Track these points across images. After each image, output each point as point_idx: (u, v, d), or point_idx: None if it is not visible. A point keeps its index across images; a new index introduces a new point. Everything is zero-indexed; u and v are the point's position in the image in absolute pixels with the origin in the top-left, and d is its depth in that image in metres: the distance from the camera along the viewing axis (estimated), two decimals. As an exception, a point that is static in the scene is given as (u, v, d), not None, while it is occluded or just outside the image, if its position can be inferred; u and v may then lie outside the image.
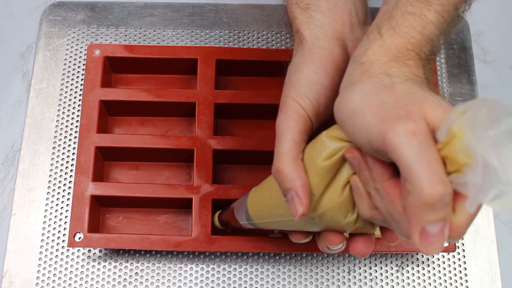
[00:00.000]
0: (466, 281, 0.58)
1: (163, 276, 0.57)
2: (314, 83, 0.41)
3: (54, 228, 0.59)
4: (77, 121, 0.62)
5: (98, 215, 0.58)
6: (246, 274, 0.58)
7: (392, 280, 0.58)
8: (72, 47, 0.66)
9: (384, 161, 0.33)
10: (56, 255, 0.58)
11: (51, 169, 0.61)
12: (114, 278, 0.57)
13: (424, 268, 0.59)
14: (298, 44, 0.44)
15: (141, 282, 0.57)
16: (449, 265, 0.59)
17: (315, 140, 0.38)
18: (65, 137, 0.62)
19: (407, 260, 0.59)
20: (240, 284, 0.58)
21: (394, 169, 0.33)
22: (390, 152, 0.30)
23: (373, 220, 0.37)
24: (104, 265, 0.58)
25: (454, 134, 0.29)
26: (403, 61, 0.36)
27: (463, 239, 0.60)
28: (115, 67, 0.62)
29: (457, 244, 0.59)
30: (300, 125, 0.39)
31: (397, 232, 0.35)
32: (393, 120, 0.31)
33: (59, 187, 0.60)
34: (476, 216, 0.32)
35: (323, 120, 0.41)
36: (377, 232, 0.58)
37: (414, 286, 0.58)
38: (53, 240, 0.58)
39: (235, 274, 0.58)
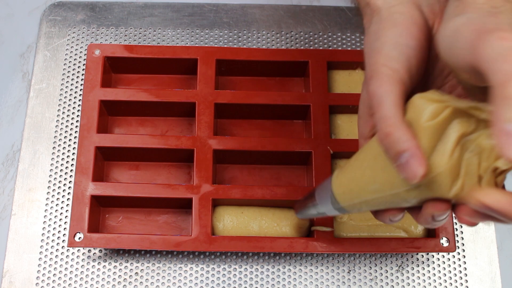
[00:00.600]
0: (466, 281, 0.58)
1: (163, 276, 0.57)
2: (401, 45, 0.39)
3: (54, 228, 0.59)
4: (77, 121, 0.62)
5: (98, 215, 0.58)
6: (246, 274, 0.58)
7: (392, 280, 0.58)
8: (72, 47, 0.66)
9: None
10: (56, 255, 0.58)
11: (51, 169, 0.61)
12: (114, 278, 0.57)
13: (424, 268, 0.59)
14: (370, 16, 0.42)
15: (141, 282, 0.57)
16: (449, 265, 0.59)
17: (409, 105, 0.35)
18: (65, 137, 0.62)
19: (407, 260, 0.59)
20: (240, 284, 0.58)
21: None
22: (480, 60, 0.30)
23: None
24: (104, 265, 0.58)
25: None
26: None
27: (463, 239, 0.60)
28: (115, 67, 0.62)
29: (457, 244, 0.60)
30: (397, 89, 0.37)
31: None
32: (487, 32, 0.30)
33: (59, 187, 0.60)
34: None
35: (415, 83, 0.39)
36: (372, 233, 0.58)
37: (414, 286, 0.58)
38: (53, 240, 0.58)
39: (235, 274, 0.58)
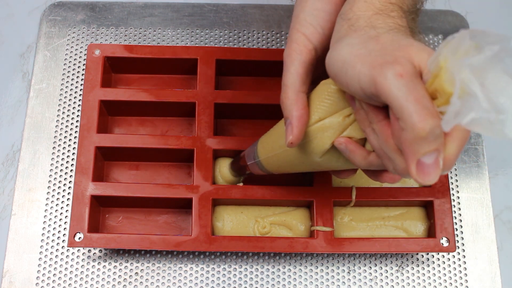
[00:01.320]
0: (466, 281, 0.58)
1: (163, 276, 0.57)
2: (318, 10, 0.43)
3: (54, 228, 0.59)
4: (77, 121, 0.62)
5: (98, 215, 0.58)
6: (246, 274, 0.58)
7: (392, 280, 0.58)
8: (72, 47, 0.66)
9: (376, 107, 0.35)
10: (56, 255, 0.58)
11: (51, 169, 0.61)
12: (114, 278, 0.57)
13: (424, 268, 0.59)
14: None
15: (141, 282, 0.57)
16: (449, 265, 0.59)
17: (317, 86, 0.41)
18: (65, 137, 0.62)
19: (407, 260, 0.59)
20: (240, 284, 0.58)
21: (386, 112, 0.35)
22: (382, 95, 0.33)
23: (370, 167, 0.39)
24: (104, 265, 0.58)
25: (441, 66, 0.31)
26: (387, 13, 0.38)
27: (463, 239, 0.60)
28: (115, 67, 0.62)
29: (457, 244, 0.60)
30: (303, 57, 0.42)
31: (392, 170, 0.37)
32: (381, 66, 0.33)
33: (59, 187, 0.60)
34: (464, 146, 0.34)
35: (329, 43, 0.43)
36: (372, 233, 0.58)
37: (414, 286, 0.58)
38: (53, 240, 0.58)
39: (235, 274, 0.58)
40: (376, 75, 0.33)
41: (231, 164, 0.56)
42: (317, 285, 0.58)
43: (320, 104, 0.40)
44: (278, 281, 0.58)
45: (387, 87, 0.32)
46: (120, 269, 0.58)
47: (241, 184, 0.57)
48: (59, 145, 0.62)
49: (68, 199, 0.60)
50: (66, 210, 0.59)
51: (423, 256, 0.59)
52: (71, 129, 0.62)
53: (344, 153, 0.40)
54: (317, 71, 0.43)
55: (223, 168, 0.57)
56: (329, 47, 0.40)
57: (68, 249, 0.58)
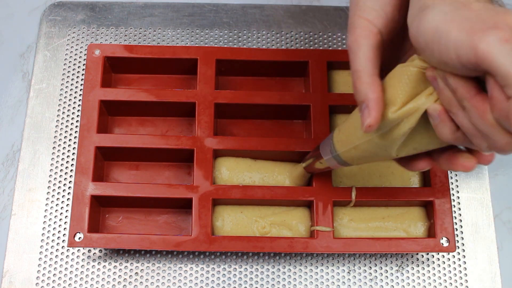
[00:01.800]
0: (466, 281, 0.58)
1: (163, 276, 0.57)
2: None
3: (54, 228, 0.59)
4: (77, 121, 0.62)
5: (98, 215, 0.58)
6: (246, 274, 0.58)
7: (392, 280, 0.58)
8: (72, 47, 0.66)
9: (468, 78, 0.34)
10: (56, 255, 0.58)
11: (51, 169, 0.61)
12: (114, 278, 0.57)
13: (424, 268, 0.59)
14: None
15: (141, 282, 0.57)
16: (449, 265, 0.59)
17: (392, 73, 0.39)
18: (65, 137, 0.62)
19: (407, 260, 0.59)
20: (240, 284, 0.58)
21: (478, 85, 0.34)
22: (484, 62, 0.31)
23: (455, 143, 0.38)
24: (104, 265, 0.58)
25: None
26: None
27: (463, 238, 0.60)
28: (115, 67, 0.62)
29: (457, 244, 0.60)
30: (370, 41, 0.40)
31: (484, 149, 0.36)
32: (482, 31, 0.31)
33: (59, 187, 0.60)
34: None
35: (394, 31, 0.41)
36: (372, 233, 0.58)
37: (414, 286, 0.58)
38: (53, 240, 0.58)
39: (235, 274, 0.58)
40: (477, 41, 0.31)
41: (306, 166, 0.54)
42: (317, 285, 0.58)
43: (401, 88, 0.38)
44: (278, 281, 0.58)
45: (491, 53, 0.30)
46: (120, 269, 0.58)
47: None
48: (59, 145, 0.62)
49: (68, 199, 0.60)
50: (66, 210, 0.59)
51: (423, 256, 0.59)
52: (71, 129, 0.62)
53: (434, 122, 0.37)
54: (384, 57, 0.42)
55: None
56: (393, 30, 0.40)
57: (68, 249, 0.58)
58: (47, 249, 0.58)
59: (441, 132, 0.37)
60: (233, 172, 0.58)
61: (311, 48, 0.67)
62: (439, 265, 0.59)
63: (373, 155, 0.43)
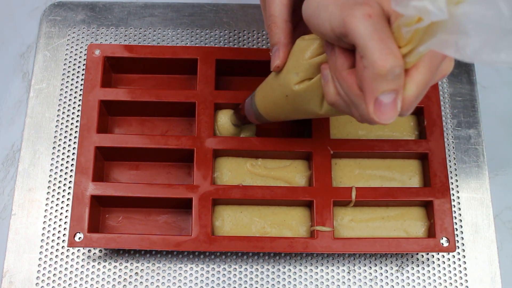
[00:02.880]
0: (466, 281, 0.58)
1: (163, 276, 0.57)
2: None
3: (54, 228, 0.59)
4: (77, 121, 0.62)
5: (98, 215, 0.58)
6: (246, 274, 0.58)
7: (392, 280, 0.58)
8: (72, 47, 0.66)
9: (346, 52, 0.37)
10: (56, 255, 0.58)
11: (51, 169, 0.61)
12: (114, 278, 0.57)
13: (424, 268, 0.59)
14: None
15: (141, 282, 0.57)
16: (449, 265, 0.59)
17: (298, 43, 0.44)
18: (65, 137, 0.62)
19: (407, 260, 0.59)
20: (240, 284, 0.58)
21: (353, 60, 0.37)
22: (349, 34, 0.34)
23: (336, 107, 0.41)
24: (104, 265, 0.58)
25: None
26: None
27: (463, 238, 0.60)
28: (115, 67, 0.62)
29: (457, 244, 0.60)
30: None
31: (358, 118, 0.39)
32: (352, 7, 0.35)
33: (59, 187, 0.60)
34: (425, 90, 0.36)
35: None
36: (372, 233, 0.58)
37: (414, 286, 0.58)
38: (53, 240, 0.58)
39: (235, 274, 0.58)
40: (346, 15, 0.34)
41: (233, 114, 0.57)
42: (317, 285, 0.58)
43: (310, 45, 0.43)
44: (278, 281, 0.58)
45: (355, 26, 0.34)
46: (120, 269, 0.58)
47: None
48: (59, 145, 0.62)
49: (68, 199, 0.60)
50: (66, 210, 0.59)
51: (423, 256, 0.59)
52: (71, 129, 0.62)
53: (323, 81, 0.41)
54: (296, 18, 0.47)
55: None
56: None
57: (68, 249, 0.58)
58: (47, 249, 0.58)
59: (327, 92, 0.41)
60: (234, 173, 0.58)
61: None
62: (439, 265, 0.59)
63: (284, 110, 0.47)
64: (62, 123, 0.62)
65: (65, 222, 0.59)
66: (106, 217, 0.59)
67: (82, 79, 0.64)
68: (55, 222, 0.59)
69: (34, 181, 0.60)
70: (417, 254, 0.59)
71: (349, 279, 0.58)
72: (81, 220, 0.54)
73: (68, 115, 0.63)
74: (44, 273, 0.57)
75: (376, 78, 0.34)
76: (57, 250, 0.58)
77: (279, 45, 0.45)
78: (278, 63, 0.45)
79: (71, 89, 0.64)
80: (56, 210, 0.59)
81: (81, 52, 0.66)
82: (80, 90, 0.64)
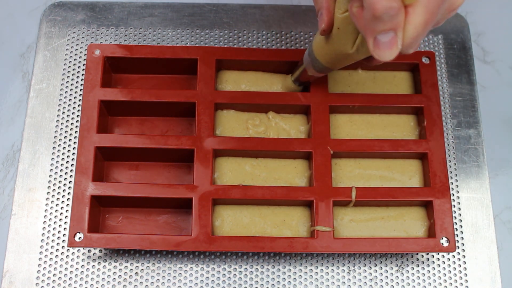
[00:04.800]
0: (466, 281, 0.58)
1: (163, 276, 0.57)
2: None
3: (54, 228, 0.59)
4: (77, 121, 0.62)
5: (98, 215, 0.58)
6: (246, 274, 0.58)
7: (392, 280, 0.58)
8: (72, 47, 0.66)
9: None
10: (56, 255, 0.58)
11: (51, 169, 0.61)
12: (114, 278, 0.57)
13: (424, 268, 0.59)
14: None
15: (141, 282, 0.57)
16: (449, 265, 0.59)
17: None
18: (65, 137, 0.62)
19: (407, 260, 0.59)
20: (240, 284, 0.58)
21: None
22: None
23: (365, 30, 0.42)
24: (104, 265, 0.58)
25: None
26: None
27: (463, 238, 0.60)
28: (115, 67, 0.62)
29: (457, 244, 0.60)
30: None
31: (371, 49, 0.40)
32: None
33: (59, 187, 0.60)
34: (426, 30, 0.38)
35: None
36: (372, 233, 0.58)
37: (414, 286, 0.58)
38: (53, 240, 0.58)
39: (235, 274, 0.58)
40: None
41: (295, 79, 0.59)
42: (317, 285, 0.58)
43: None
44: (278, 281, 0.58)
45: None
46: (120, 269, 0.58)
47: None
48: (59, 145, 0.62)
49: (68, 199, 0.60)
50: (66, 210, 0.59)
51: (423, 256, 0.59)
52: (71, 129, 0.62)
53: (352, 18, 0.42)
54: None
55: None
56: None
57: (68, 249, 0.58)
58: (47, 249, 0.58)
59: (359, 25, 0.42)
60: (234, 173, 0.58)
61: (311, 48, 0.67)
62: (439, 265, 0.59)
63: (340, 54, 0.49)
64: (62, 123, 0.62)
65: (65, 222, 0.59)
66: (106, 217, 0.59)
67: (82, 79, 0.64)
68: (55, 222, 0.59)
69: (34, 181, 0.60)
70: (417, 254, 0.59)
71: (349, 279, 0.58)
72: (81, 220, 0.54)
73: (68, 115, 0.63)
74: (44, 273, 0.57)
75: (372, 19, 0.36)
76: (57, 250, 0.58)
77: (322, 9, 0.46)
78: (324, 26, 0.47)
79: (71, 89, 0.64)
80: (56, 210, 0.59)
81: (81, 52, 0.66)
82: (80, 90, 0.64)
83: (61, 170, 0.61)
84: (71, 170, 0.61)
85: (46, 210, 0.59)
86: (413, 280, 0.58)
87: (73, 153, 0.61)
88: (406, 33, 0.37)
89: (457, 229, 0.60)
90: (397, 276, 0.58)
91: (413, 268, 0.59)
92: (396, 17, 0.36)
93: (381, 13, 0.35)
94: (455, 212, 0.61)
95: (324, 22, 0.47)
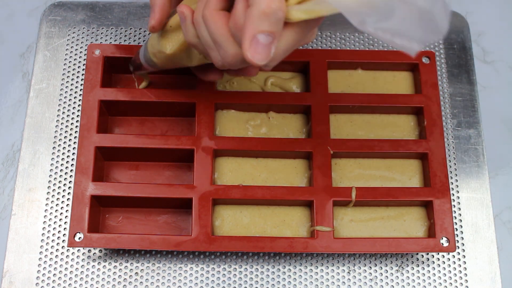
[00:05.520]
0: (466, 281, 0.58)
1: (163, 276, 0.57)
2: None
3: (54, 228, 0.59)
4: (77, 121, 0.62)
5: (98, 215, 0.58)
6: (246, 274, 0.58)
7: (392, 280, 0.58)
8: (72, 47, 0.66)
9: None
10: (56, 255, 0.58)
11: (51, 169, 0.61)
12: (114, 278, 0.57)
13: (424, 268, 0.59)
14: None
15: (141, 282, 0.57)
16: (449, 265, 0.59)
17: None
18: (65, 137, 0.62)
19: (407, 260, 0.59)
20: (240, 284, 0.58)
21: (227, 2, 0.40)
22: None
23: (198, 49, 0.45)
24: (104, 265, 0.58)
25: None
26: None
27: (463, 238, 0.60)
28: (115, 67, 0.62)
29: (457, 244, 0.60)
30: None
31: (217, 59, 0.42)
32: None
33: (59, 187, 0.60)
34: (290, 50, 0.39)
35: None
36: (372, 233, 0.58)
37: (414, 286, 0.58)
38: (53, 240, 0.58)
39: (235, 274, 0.58)
40: None
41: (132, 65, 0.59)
42: (317, 285, 0.58)
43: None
44: (278, 281, 0.58)
45: None
46: (120, 269, 0.58)
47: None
48: (59, 145, 0.62)
49: (68, 199, 0.60)
50: (66, 210, 0.59)
51: (423, 256, 0.59)
52: (71, 129, 0.62)
53: (182, 22, 0.44)
54: None
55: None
56: None
57: (68, 249, 0.58)
58: (47, 249, 0.58)
59: (186, 33, 0.44)
60: (234, 173, 0.58)
61: (311, 48, 0.67)
62: (439, 265, 0.59)
63: (159, 52, 0.50)
64: (62, 123, 0.62)
65: (65, 222, 0.59)
66: (106, 217, 0.59)
67: (82, 79, 0.64)
68: (55, 222, 0.59)
69: (34, 181, 0.60)
70: (417, 254, 0.59)
71: (349, 279, 0.58)
72: (81, 220, 0.54)
73: (68, 115, 0.63)
74: (44, 273, 0.57)
75: (260, 16, 0.36)
76: (57, 250, 0.58)
77: (155, 6, 0.47)
78: (153, 23, 0.47)
79: (71, 89, 0.64)
80: (56, 210, 0.59)
81: (81, 52, 0.66)
82: (80, 90, 0.64)
83: (61, 170, 0.61)
84: (71, 170, 0.61)
85: (46, 210, 0.59)
86: (413, 280, 0.58)
87: (73, 153, 0.61)
88: (279, 45, 0.38)
89: (457, 229, 0.60)
90: (397, 276, 0.59)
91: (413, 268, 0.59)
92: (280, 23, 0.36)
93: (271, 11, 0.35)
94: (455, 212, 0.61)
95: (154, 19, 0.47)
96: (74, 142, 0.62)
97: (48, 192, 0.60)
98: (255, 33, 0.36)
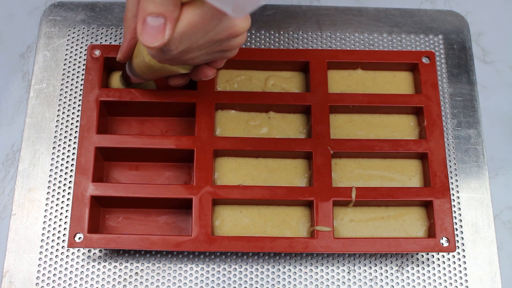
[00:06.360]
0: (466, 281, 0.58)
1: (163, 276, 0.57)
2: None
3: (54, 228, 0.59)
4: (77, 121, 0.62)
5: (98, 216, 0.58)
6: (246, 274, 0.58)
7: (392, 280, 0.58)
8: (72, 47, 0.66)
9: None
10: (56, 255, 0.58)
11: (51, 169, 0.61)
12: (114, 278, 0.57)
13: (424, 268, 0.59)
14: None
15: (141, 282, 0.57)
16: (449, 265, 0.59)
17: None
18: (65, 137, 0.62)
19: (407, 260, 0.59)
20: (240, 284, 0.58)
21: None
22: None
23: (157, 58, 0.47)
24: (104, 265, 0.58)
25: None
26: None
27: (463, 238, 0.60)
28: (115, 68, 0.62)
29: (457, 244, 0.60)
30: None
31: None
32: None
33: (59, 187, 0.60)
34: (193, 34, 0.40)
35: None
36: (372, 233, 0.58)
37: (414, 286, 0.58)
38: (53, 240, 0.58)
39: (235, 274, 0.58)
40: None
41: (120, 77, 0.59)
42: (317, 285, 0.58)
43: None
44: (278, 281, 0.58)
45: None
46: (120, 269, 0.58)
47: (240, 184, 0.57)
48: (59, 145, 0.62)
49: (68, 199, 0.60)
50: (66, 210, 0.59)
51: (423, 256, 0.59)
52: (71, 129, 0.62)
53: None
54: None
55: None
56: None
57: (68, 249, 0.58)
58: (47, 249, 0.58)
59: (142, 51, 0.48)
60: (234, 173, 0.58)
61: (311, 48, 0.67)
62: (439, 265, 0.59)
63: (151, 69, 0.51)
64: (62, 123, 0.62)
65: (65, 222, 0.59)
66: (106, 218, 0.59)
67: (82, 79, 0.64)
68: (55, 222, 0.59)
69: (34, 181, 0.60)
70: (417, 254, 0.59)
71: (349, 279, 0.58)
72: (81, 221, 0.54)
73: (68, 115, 0.63)
74: (44, 273, 0.57)
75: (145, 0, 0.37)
76: (57, 250, 0.58)
77: (124, 40, 0.51)
78: (119, 56, 0.52)
79: (71, 89, 0.64)
80: (56, 210, 0.59)
81: (81, 52, 0.66)
82: (80, 90, 0.64)
83: (61, 170, 0.61)
84: (71, 170, 0.61)
85: (46, 210, 0.59)
86: (413, 280, 0.58)
87: (73, 153, 0.61)
88: (177, 28, 0.39)
89: (457, 229, 0.60)
90: (397, 276, 0.59)
91: (413, 268, 0.59)
92: (168, 4, 0.37)
93: None
94: (455, 212, 0.61)
95: (121, 53, 0.52)
96: (74, 142, 0.62)
97: (48, 192, 0.60)
98: (144, 15, 0.37)
